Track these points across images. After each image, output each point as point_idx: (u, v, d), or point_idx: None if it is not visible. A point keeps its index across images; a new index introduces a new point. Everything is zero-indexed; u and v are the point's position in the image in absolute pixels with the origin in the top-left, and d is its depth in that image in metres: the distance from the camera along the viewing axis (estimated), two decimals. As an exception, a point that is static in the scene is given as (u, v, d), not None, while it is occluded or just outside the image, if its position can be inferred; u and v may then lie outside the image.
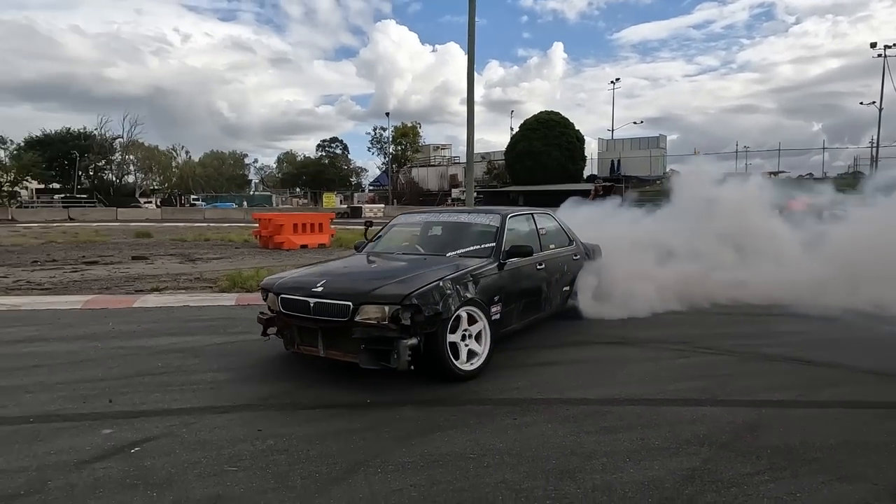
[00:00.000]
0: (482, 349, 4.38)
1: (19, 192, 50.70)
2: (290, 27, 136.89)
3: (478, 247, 5.11)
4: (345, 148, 74.65)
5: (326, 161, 71.79)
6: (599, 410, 3.73)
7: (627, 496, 2.63)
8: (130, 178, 62.09)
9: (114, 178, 59.62)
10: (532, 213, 6.00)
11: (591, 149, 49.84)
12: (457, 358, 4.17)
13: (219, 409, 3.65)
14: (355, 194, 65.39)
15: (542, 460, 2.99)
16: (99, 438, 3.23)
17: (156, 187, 64.98)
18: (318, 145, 74.59)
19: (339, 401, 3.88)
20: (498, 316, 4.63)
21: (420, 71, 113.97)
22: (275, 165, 77.03)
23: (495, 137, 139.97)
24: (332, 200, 54.01)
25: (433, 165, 60.37)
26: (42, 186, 55.60)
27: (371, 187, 68.66)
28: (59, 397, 3.91)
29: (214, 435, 3.28)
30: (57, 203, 47.09)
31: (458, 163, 54.03)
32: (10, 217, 35.62)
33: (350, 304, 3.99)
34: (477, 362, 4.32)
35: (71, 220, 35.84)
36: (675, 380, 4.38)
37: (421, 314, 3.86)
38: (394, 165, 60.05)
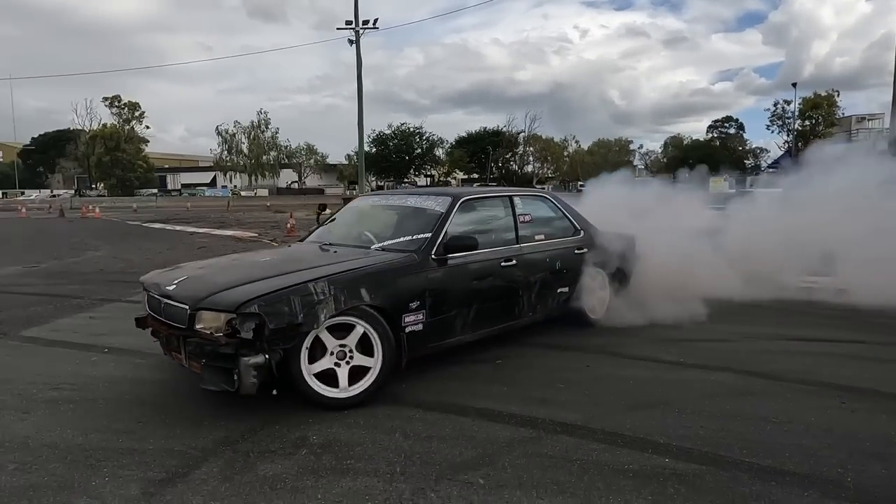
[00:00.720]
0: (366, 377, 3.44)
1: (450, 182, 64.31)
2: (687, 4, 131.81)
3: (410, 237, 4.22)
4: (740, 127, 68.20)
5: (717, 142, 67.00)
6: (967, 416, 3.23)
7: (944, 489, 2.44)
8: (529, 168, 70.73)
9: (516, 168, 68.96)
10: (511, 196, 4.88)
11: None
12: (330, 382, 3.39)
13: (559, 347, 4.65)
14: (748, 177, 59.19)
15: (853, 440, 2.93)
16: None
17: (549, 175, 72.28)
18: (710, 126, 70.16)
19: (659, 357, 4.38)
20: (420, 326, 3.74)
21: (849, 26, 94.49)
22: (660, 150, 75.84)
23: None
24: (719, 184, 50.35)
25: (852, 141, 49.79)
26: (465, 176, 68.76)
27: (770, 169, 60.86)
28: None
29: (550, 363, 4.28)
30: (474, 190, 57.77)
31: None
32: (443, 201, 45.78)
33: (187, 308, 3.33)
34: (357, 388, 3.42)
35: (483, 203, 43.63)
36: None
37: (265, 326, 3.11)
38: (799, 143, 51.96)
